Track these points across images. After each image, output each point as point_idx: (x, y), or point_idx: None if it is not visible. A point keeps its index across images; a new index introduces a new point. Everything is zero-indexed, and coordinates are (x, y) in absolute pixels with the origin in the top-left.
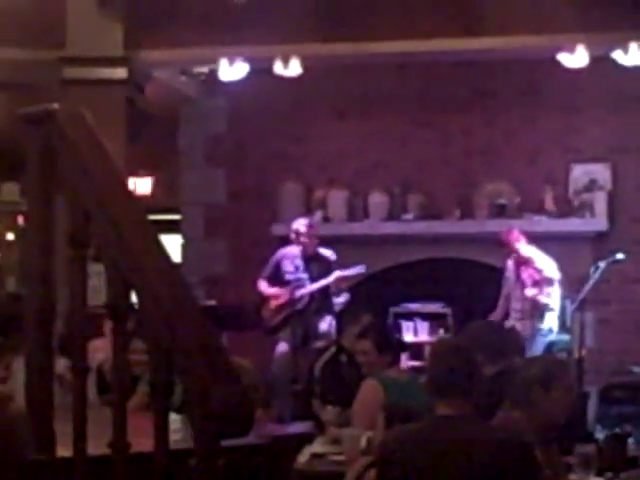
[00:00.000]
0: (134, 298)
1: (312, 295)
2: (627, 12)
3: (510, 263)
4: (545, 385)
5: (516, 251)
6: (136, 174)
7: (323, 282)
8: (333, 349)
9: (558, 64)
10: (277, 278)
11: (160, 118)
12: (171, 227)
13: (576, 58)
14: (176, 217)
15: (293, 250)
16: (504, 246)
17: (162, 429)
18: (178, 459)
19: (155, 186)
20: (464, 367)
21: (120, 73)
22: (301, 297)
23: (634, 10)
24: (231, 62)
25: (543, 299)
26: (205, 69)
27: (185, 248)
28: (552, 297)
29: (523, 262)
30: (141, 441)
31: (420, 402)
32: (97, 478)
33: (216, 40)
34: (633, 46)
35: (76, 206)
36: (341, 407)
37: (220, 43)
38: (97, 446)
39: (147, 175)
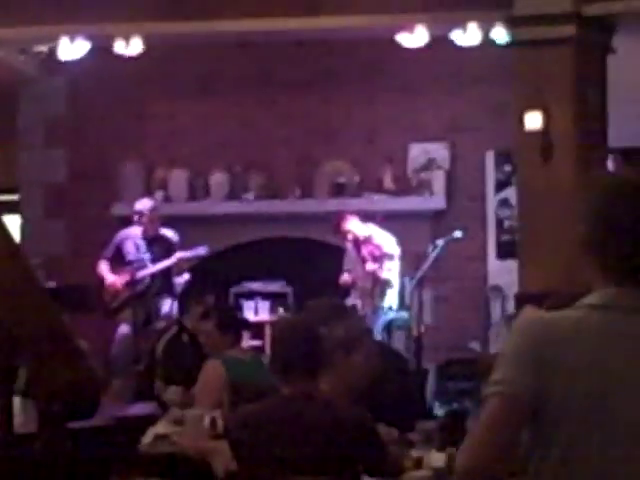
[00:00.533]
0: None
1: (153, 276)
2: None
3: (349, 243)
4: (346, 348)
5: (349, 231)
6: None
7: (165, 263)
8: (175, 329)
9: (398, 44)
10: (118, 259)
11: None
12: (9, 208)
13: (415, 38)
14: (14, 197)
15: (135, 231)
16: (338, 233)
17: (6, 413)
18: (22, 443)
19: None
20: (306, 346)
21: None
22: (142, 279)
23: None
24: (71, 40)
25: (384, 274)
26: (45, 48)
27: (24, 229)
28: (392, 273)
29: (362, 241)
30: None
31: (264, 380)
32: None
33: (56, 18)
34: (472, 26)
35: None
36: (184, 387)
37: (60, 21)
38: None
39: None
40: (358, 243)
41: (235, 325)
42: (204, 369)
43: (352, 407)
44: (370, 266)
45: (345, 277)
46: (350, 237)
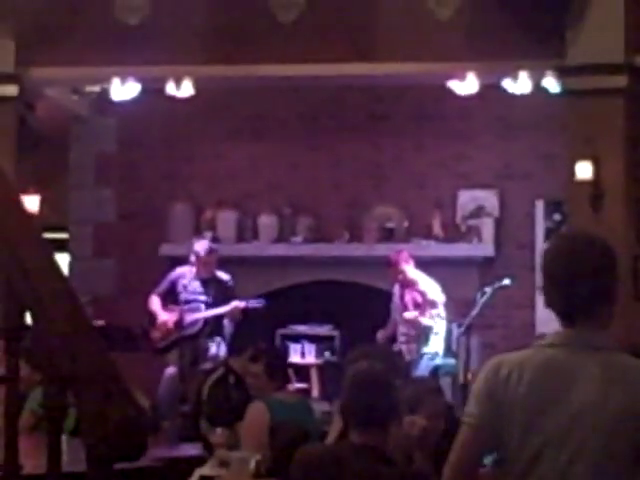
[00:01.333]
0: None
1: (205, 320)
2: (517, 41)
3: (396, 288)
4: (411, 408)
5: (402, 272)
6: (24, 192)
7: (219, 310)
8: (221, 370)
9: (448, 91)
10: (171, 296)
11: (50, 136)
12: (58, 246)
13: (466, 85)
14: (64, 236)
15: (190, 270)
16: (392, 266)
17: (55, 452)
18: None
19: (43, 204)
20: (388, 398)
21: (11, 90)
22: (193, 322)
23: (524, 39)
24: (123, 82)
25: (425, 321)
26: (97, 88)
27: (72, 267)
28: (436, 320)
29: (408, 285)
30: (32, 462)
31: (307, 423)
32: None
33: (108, 59)
34: (522, 74)
35: None
36: (229, 429)
37: (112, 62)
38: None
39: (35, 193)
40: (404, 287)
41: (283, 371)
42: (249, 411)
43: (420, 467)
44: (410, 314)
45: (380, 334)
46: (400, 277)
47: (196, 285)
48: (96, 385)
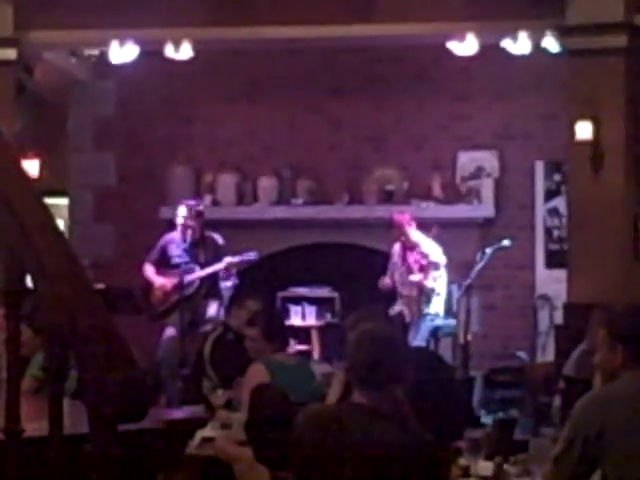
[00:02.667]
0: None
1: (202, 280)
2: (517, 1)
3: (397, 248)
4: None
5: (405, 234)
6: (24, 156)
7: (214, 268)
8: (220, 329)
9: (448, 51)
10: (164, 262)
11: (49, 100)
12: (58, 210)
13: (466, 46)
14: (64, 200)
15: (178, 234)
16: (395, 228)
17: (57, 414)
18: (73, 444)
19: (42, 169)
20: (388, 359)
21: (9, 54)
22: (190, 283)
23: None
24: (121, 44)
25: (429, 283)
26: (95, 51)
27: (73, 231)
28: (438, 281)
29: (410, 247)
30: (34, 426)
31: (307, 385)
32: None
33: (107, 22)
34: (522, 35)
35: None
36: (231, 390)
37: (111, 25)
38: None
39: (34, 157)
40: (405, 249)
41: (280, 333)
42: (248, 373)
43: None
44: (415, 277)
45: (385, 280)
46: (403, 239)
47: (187, 248)
48: (97, 347)
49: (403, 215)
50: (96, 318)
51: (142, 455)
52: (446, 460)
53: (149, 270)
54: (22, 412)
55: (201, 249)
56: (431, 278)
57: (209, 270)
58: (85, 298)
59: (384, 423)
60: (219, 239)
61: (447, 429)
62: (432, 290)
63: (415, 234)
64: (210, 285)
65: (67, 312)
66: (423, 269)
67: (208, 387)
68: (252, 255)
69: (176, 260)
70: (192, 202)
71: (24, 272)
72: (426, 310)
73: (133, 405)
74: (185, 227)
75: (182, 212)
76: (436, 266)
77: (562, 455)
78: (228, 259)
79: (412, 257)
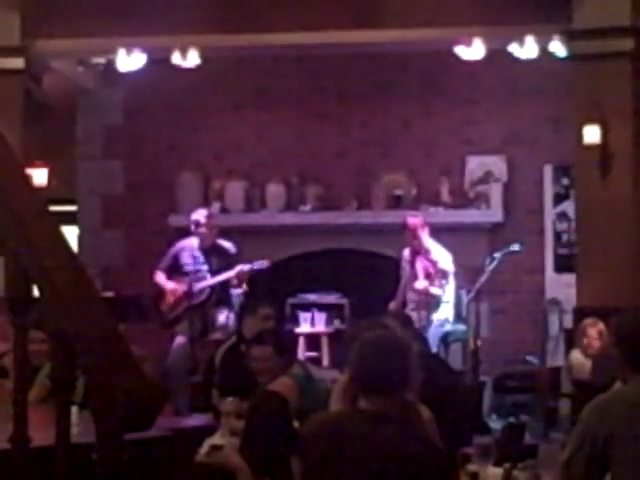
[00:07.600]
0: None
1: (212, 288)
2: (523, 5)
3: (406, 253)
4: None
5: (418, 237)
6: (32, 165)
7: (224, 276)
8: (234, 339)
9: (455, 57)
10: (175, 270)
11: (57, 109)
12: (67, 218)
13: (473, 51)
14: (72, 208)
15: (191, 241)
16: (408, 231)
17: (64, 423)
18: (80, 453)
19: (51, 177)
20: (391, 366)
21: (17, 63)
22: (200, 290)
23: (530, 3)
24: (128, 52)
25: (434, 290)
26: (103, 59)
27: (82, 239)
28: (445, 289)
29: (420, 252)
30: (41, 435)
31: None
32: None
33: (114, 30)
34: (529, 39)
35: None
36: (240, 398)
37: (118, 33)
38: None
39: (43, 166)
40: (414, 254)
41: (290, 346)
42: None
43: (432, 440)
44: (420, 284)
45: (392, 306)
46: (415, 243)
47: (199, 255)
48: (103, 355)
49: (417, 218)
50: (102, 327)
51: (150, 464)
52: (455, 467)
53: (160, 277)
54: (30, 421)
55: (213, 257)
56: (438, 285)
57: (220, 278)
58: (91, 307)
59: (389, 429)
60: (231, 248)
61: (453, 435)
62: (437, 297)
63: (427, 240)
64: (221, 293)
65: (73, 321)
66: (429, 276)
67: (217, 396)
68: (264, 264)
69: (188, 268)
70: (206, 209)
71: (30, 281)
72: (434, 316)
73: (140, 414)
74: (199, 234)
75: (202, 218)
76: (444, 274)
77: (572, 458)
78: (239, 267)
79: (420, 263)
